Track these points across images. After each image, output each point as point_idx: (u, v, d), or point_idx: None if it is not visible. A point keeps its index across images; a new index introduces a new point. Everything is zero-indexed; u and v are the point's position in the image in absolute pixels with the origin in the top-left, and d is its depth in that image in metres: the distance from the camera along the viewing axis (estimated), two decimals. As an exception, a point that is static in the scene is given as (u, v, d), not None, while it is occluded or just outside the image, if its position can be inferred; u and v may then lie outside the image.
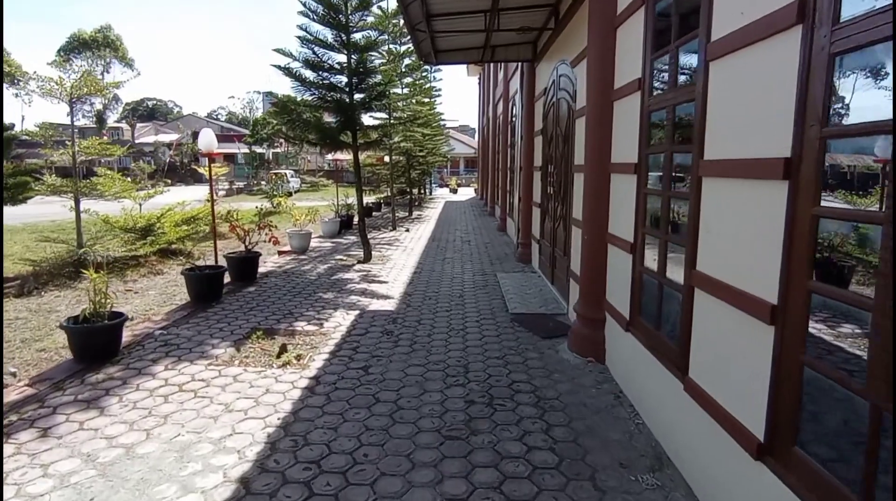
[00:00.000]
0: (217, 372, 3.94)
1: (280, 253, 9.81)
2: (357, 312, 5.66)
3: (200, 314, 5.51)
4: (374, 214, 17.58)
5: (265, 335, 4.80)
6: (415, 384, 3.76)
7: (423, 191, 24.86)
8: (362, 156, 16.97)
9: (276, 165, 42.44)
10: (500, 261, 8.77)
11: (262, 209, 10.93)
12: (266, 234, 7.64)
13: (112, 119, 55.98)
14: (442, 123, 26.61)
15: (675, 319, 2.86)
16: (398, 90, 11.17)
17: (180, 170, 45.32)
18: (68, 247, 7.74)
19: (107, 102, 52.24)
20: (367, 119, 9.61)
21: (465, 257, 9.22)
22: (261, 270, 7.99)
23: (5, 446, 2.88)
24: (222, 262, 6.90)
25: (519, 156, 9.62)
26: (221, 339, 4.68)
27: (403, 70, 8.19)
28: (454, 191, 34.52)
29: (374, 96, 8.06)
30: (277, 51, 7.81)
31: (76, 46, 45.99)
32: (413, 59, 8.57)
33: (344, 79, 8.21)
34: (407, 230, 12.95)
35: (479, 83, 27.37)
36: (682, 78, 2.93)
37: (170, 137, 53.18)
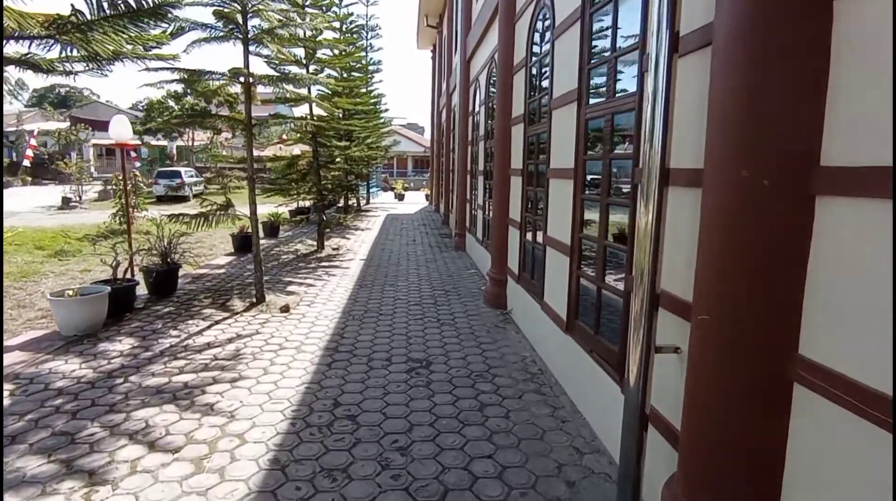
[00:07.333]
0: None
1: None
2: None
3: None
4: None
5: None
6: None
7: (351, 201, 17.61)
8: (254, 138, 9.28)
9: (175, 161, 33.97)
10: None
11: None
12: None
13: (18, 106, 44.99)
14: (384, 108, 19.74)
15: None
16: None
17: (49, 165, 35.56)
18: None
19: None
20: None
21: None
22: None
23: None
24: None
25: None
26: None
27: None
28: (400, 197, 27.47)
29: None
30: None
31: None
32: None
33: None
34: (284, 310, 5.69)
35: (434, 54, 20.61)
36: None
37: (60, 125, 43.17)
